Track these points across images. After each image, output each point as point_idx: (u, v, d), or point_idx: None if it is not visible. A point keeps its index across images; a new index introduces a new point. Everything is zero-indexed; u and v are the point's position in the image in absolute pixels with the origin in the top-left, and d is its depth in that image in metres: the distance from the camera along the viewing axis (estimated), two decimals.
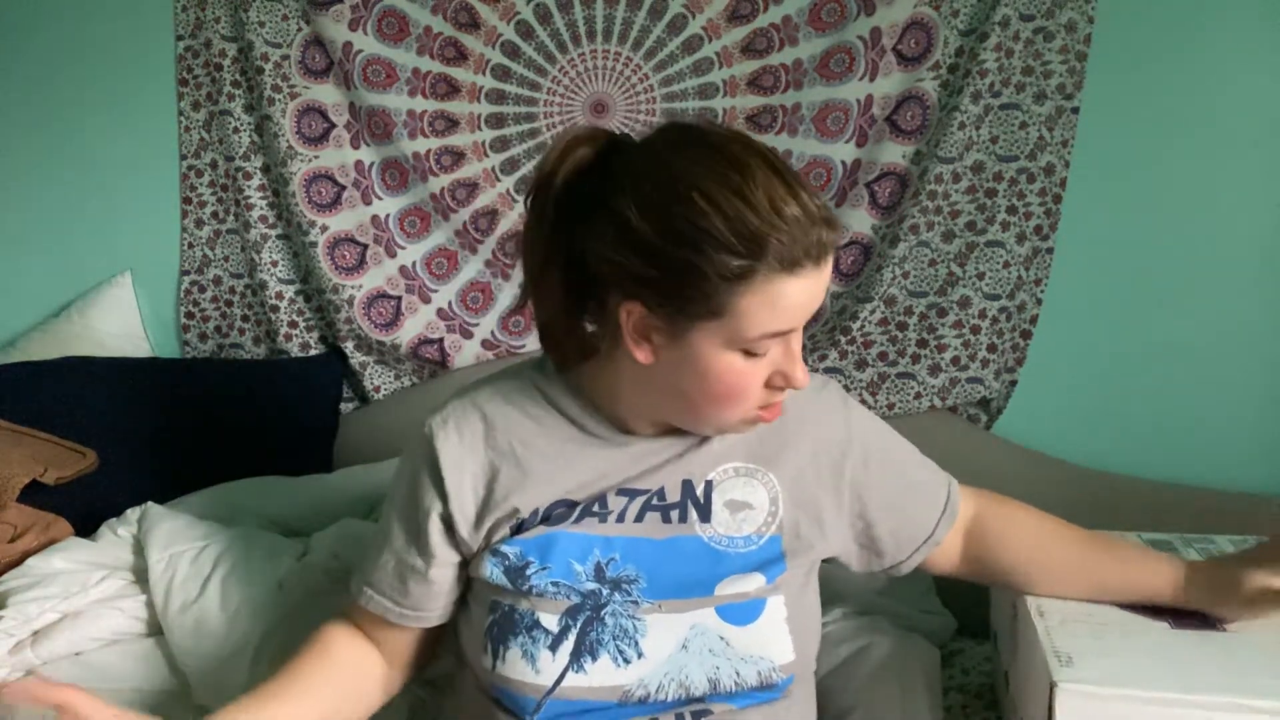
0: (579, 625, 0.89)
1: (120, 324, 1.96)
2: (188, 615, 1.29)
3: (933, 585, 1.51)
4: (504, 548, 0.92)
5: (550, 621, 0.89)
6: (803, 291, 0.82)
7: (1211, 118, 1.55)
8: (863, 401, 1.70)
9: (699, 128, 0.86)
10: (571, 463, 0.95)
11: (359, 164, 1.86)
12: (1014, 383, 1.70)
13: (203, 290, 1.98)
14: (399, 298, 1.88)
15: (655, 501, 0.94)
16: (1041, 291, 1.66)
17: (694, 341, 0.84)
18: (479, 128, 1.82)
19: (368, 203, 1.86)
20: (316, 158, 1.84)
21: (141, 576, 1.35)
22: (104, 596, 1.32)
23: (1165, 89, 1.56)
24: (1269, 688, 0.89)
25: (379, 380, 1.95)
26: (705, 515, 0.94)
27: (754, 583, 0.92)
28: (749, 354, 0.84)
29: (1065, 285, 1.65)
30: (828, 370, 1.73)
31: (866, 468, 1.01)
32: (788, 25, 1.69)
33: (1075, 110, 1.59)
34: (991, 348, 1.69)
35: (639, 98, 1.77)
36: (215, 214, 1.95)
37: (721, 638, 0.90)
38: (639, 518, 0.93)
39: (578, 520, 0.93)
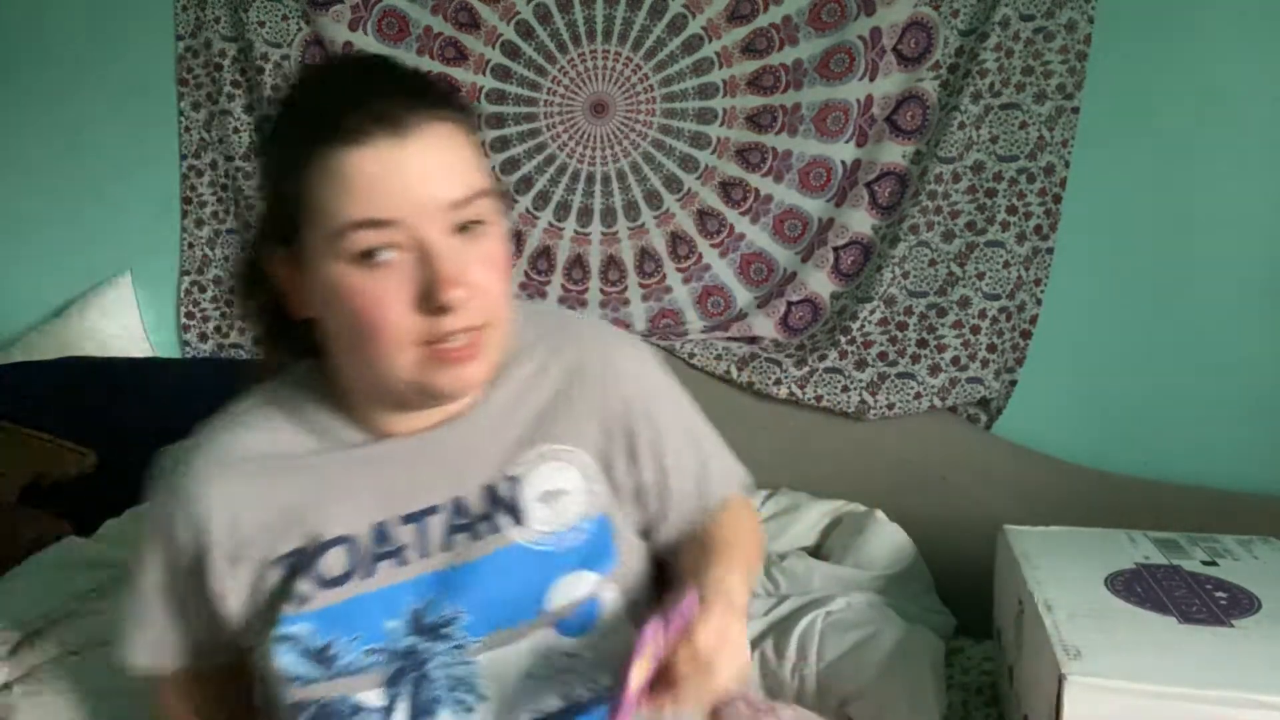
0: (407, 690, 0.78)
1: (120, 324, 1.95)
2: None
3: (933, 585, 1.51)
4: (290, 629, 0.78)
5: (373, 698, 0.78)
6: (375, 163, 0.70)
7: (1211, 117, 1.55)
8: (862, 402, 1.70)
9: None
10: (328, 485, 0.81)
11: None
12: (1014, 383, 1.70)
13: (203, 290, 1.97)
14: None
15: (458, 520, 0.81)
16: (1041, 291, 1.66)
17: (312, 263, 0.74)
18: (479, 127, 1.82)
19: None
20: None
21: None
22: (103, 596, 1.32)
23: (1165, 89, 1.57)
24: (1278, 683, 0.90)
25: None
26: (519, 518, 0.80)
27: (585, 583, 0.80)
28: (364, 263, 0.71)
29: (1065, 285, 1.65)
30: (828, 370, 1.73)
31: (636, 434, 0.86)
32: (788, 25, 1.69)
33: (1075, 110, 1.59)
34: (991, 348, 1.69)
35: (639, 98, 1.77)
36: (215, 214, 1.95)
37: (566, 654, 0.79)
38: (446, 545, 0.80)
39: (370, 574, 0.79)
